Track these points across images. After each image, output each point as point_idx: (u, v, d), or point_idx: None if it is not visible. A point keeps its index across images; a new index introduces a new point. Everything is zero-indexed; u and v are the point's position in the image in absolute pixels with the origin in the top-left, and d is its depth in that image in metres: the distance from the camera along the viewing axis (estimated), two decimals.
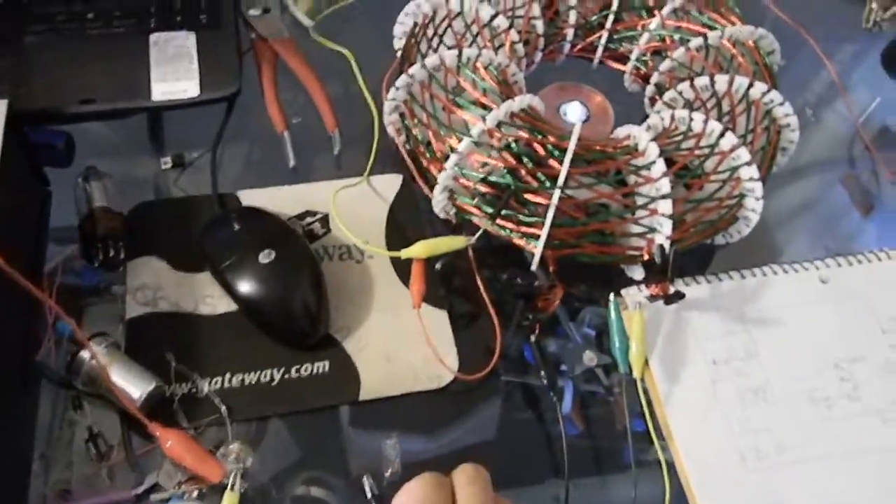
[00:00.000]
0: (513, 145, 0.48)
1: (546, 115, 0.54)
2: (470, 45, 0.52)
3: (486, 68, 0.51)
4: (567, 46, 0.59)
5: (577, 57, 0.61)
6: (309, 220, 0.54)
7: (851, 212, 0.63)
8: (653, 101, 0.58)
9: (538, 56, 0.59)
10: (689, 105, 0.52)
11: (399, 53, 0.56)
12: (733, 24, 0.55)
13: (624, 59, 0.59)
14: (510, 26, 0.54)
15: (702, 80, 0.52)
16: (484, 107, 0.49)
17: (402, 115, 0.53)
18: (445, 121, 0.50)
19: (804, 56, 0.70)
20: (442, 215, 0.51)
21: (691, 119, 0.50)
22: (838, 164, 0.65)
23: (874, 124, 0.68)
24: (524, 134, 0.48)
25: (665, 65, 0.56)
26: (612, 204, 0.48)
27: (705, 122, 0.49)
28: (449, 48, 0.53)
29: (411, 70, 0.51)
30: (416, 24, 0.55)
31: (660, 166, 0.47)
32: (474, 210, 0.49)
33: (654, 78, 0.56)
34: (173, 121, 0.60)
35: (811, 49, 0.68)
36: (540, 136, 0.49)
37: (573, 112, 0.58)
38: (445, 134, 0.50)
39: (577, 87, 0.59)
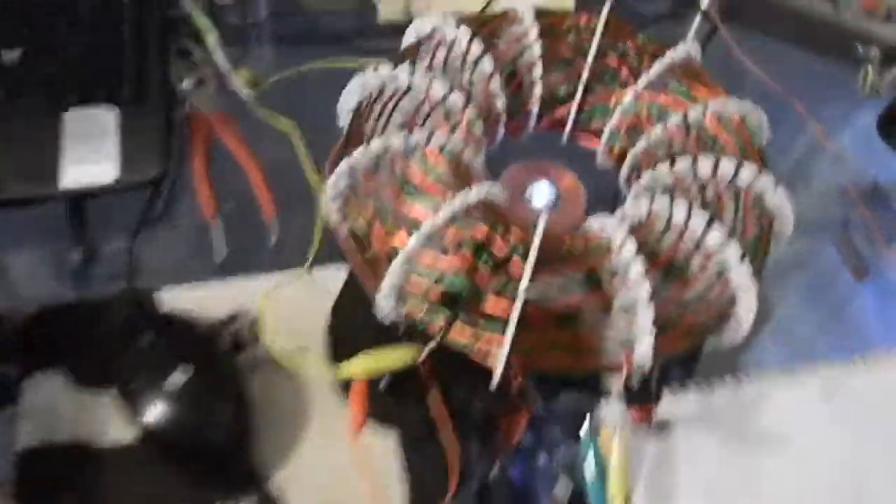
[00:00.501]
0: (468, 243, 0.42)
1: (510, 199, 0.48)
2: (421, 126, 0.46)
3: (438, 153, 0.45)
4: (533, 121, 0.53)
5: (545, 132, 0.55)
6: (237, 324, 0.47)
7: (843, 274, 0.60)
8: (629, 181, 0.52)
9: (500, 133, 0.53)
10: (668, 191, 0.46)
11: (343, 133, 0.50)
12: (717, 95, 0.50)
13: (596, 134, 0.53)
14: (467, 103, 0.48)
15: (682, 164, 0.46)
16: (437, 198, 0.43)
17: (345, 204, 0.47)
18: (393, 214, 0.44)
19: (789, 120, 0.66)
20: (388, 322, 0.45)
21: (672, 210, 0.43)
22: (829, 225, 0.62)
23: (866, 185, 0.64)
24: (481, 230, 0.42)
25: (641, 144, 0.50)
26: (584, 310, 0.42)
27: (688, 214, 0.43)
28: (399, 128, 0.47)
29: (354, 156, 0.44)
30: (360, 103, 0.49)
31: (638, 267, 0.41)
32: (425, 318, 0.43)
33: (630, 158, 0.51)
34: (101, 203, 0.54)
35: (797, 114, 0.63)
36: (500, 231, 0.42)
37: (540, 194, 0.52)
38: (392, 229, 0.43)
39: (545, 166, 0.53)
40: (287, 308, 0.47)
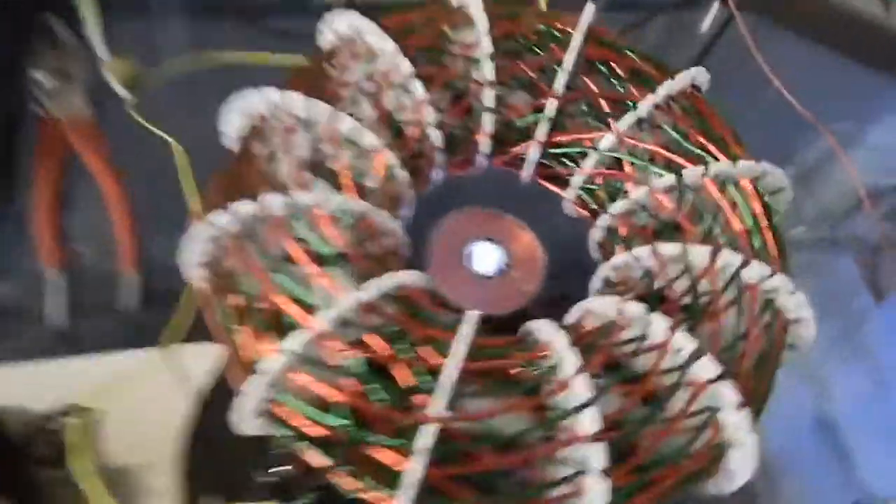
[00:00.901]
0: (357, 367, 0.30)
1: (444, 261, 0.36)
2: (315, 175, 0.34)
3: (332, 221, 0.33)
4: (483, 159, 0.41)
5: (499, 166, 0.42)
6: (61, 424, 0.36)
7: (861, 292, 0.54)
8: (602, 247, 0.40)
9: (438, 174, 0.40)
10: (648, 277, 0.34)
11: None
12: (726, 147, 0.37)
13: (564, 180, 0.41)
14: (389, 141, 0.35)
15: (669, 248, 0.34)
16: (321, 292, 0.31)
17: (215, 276, 0.35)
18: (262, 309, 0.32)
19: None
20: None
21: (650, 321, 0.31)
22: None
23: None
24: (379, 346, 0.30)
25: (619, 206, 0.37)
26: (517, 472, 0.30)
27: (671, 331, 0.31)
28: (288, 178, 0.34)
29: (216, 220, 0.32)
30: (253, 130, 0.36)
31: (589, 420, 0.29)
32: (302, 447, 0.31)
33: (604, 219, 0.38)
34: None
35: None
36: (406, 351, 0.30)
37: (483, 258, 0.39)
38: (260, 330, 0.31)
39: (494, 218, 0.41)
40: (137, 402, 0.36)
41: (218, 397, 0.37)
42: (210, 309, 0.34)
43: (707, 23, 0.61)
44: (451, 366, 0.29)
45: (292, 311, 0.30)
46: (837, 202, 0.60)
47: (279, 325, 0.31)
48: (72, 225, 0.41)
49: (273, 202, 0.32)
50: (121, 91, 0.45)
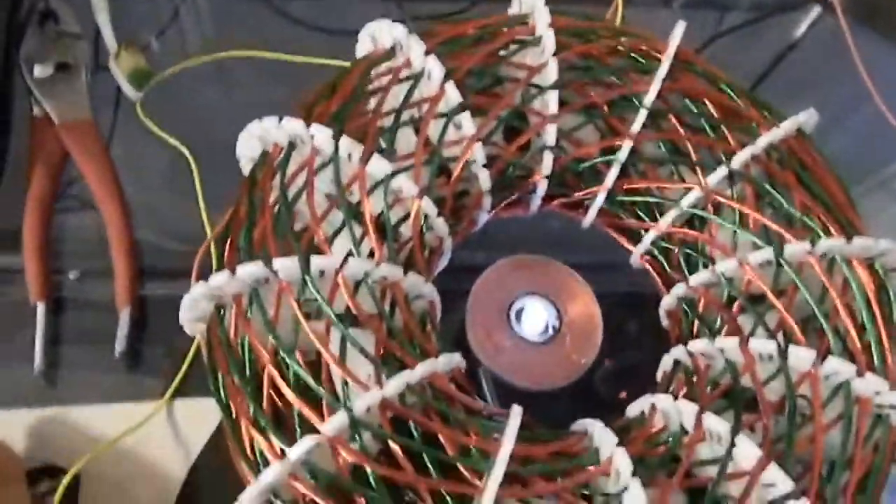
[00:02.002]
0: (373, 481, 0.24)
1: (485, 317, 0.30)
2: (333, 239, 0.28)
3: (353, 287, 0.27)
4: (537, 202, 0.35)
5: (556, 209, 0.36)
6: (43, 486, 0.31)
7: None
8: (671, 316, 0.33)
9: (482, 217, 0.34)
10: (733, 372, 0.28)
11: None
12: (836, 212, 0.30)
13: (632, 233, 0.35)
14: (423, 190, 0.29)
15: (762, 345, 0.27)
16: (326, 388, 0.25)
17: (209, 331, 0.29)
18: (262, 396, 0.26)
19: None
20: None
21: (733, 445, 0.25)
22: None
23: None
24: (401, 475, 0.24)
25: (701, 277, 0.31)
26: None
27: (762, 462, 0.25)
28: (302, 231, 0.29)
29: (213, 281, 0.27)
30: (265, 155, 0.31)
31: None
32: None
33: (680, 288, 0.32)
34: None
35: None
36: (435, 471, 0.25)
37: (532, 319, 0.34)
38: (261, 424, 0.26)
39: (547, 266, 0.35)
40: (127, 463, 0.31)
41: (214, 463, 0.32)
42: (210, 374, 0.29)
43: (802, 28, 0.54)
44: (490, 492, 0.24)
45: (300, 407, 0.25)
46: None
47: (281, 415, 0.26)
48: (66, 243, 0.36)
49: (281, 266, 0.26)
50: (126, 87, 0.39)
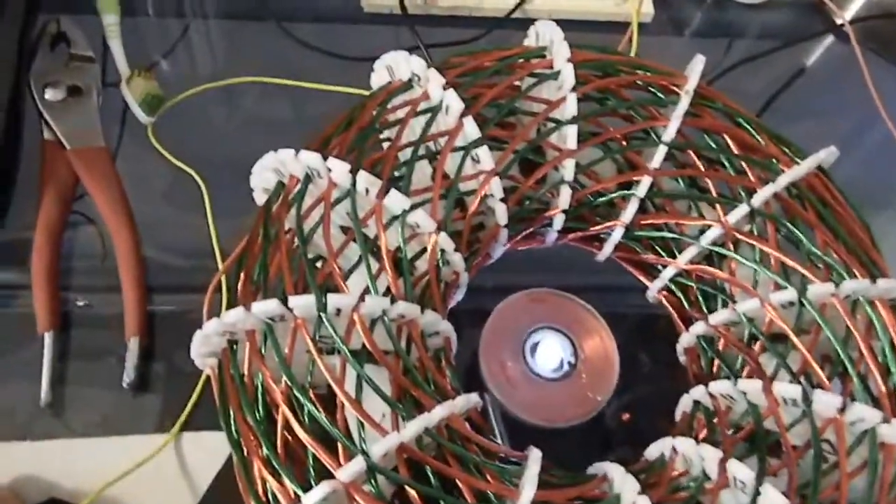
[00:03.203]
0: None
1: (499, 348, 0.30)
2: (349, 275, 0.27)
3: (371, 324, 0.26)
4: (554, 233, 0.34)
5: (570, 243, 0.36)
6: None
7: None
8: (689, 353, 0.33)
9: (498, 250, 0.34)
10: (756, 415, 0.27)
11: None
12: (860, 252, 0.30)
13: (649, 268, 0.34)
14: (440, 226, 0.29)
15: (786, 389, 0.27)
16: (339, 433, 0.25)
17: (221, 367, 0.29)
18: (275, 437, 0.26)
19: None
20: None
21: (758, 493, 0.25)
22: None
23: None
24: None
25: (721, 316, 0.30)
26: None
27: None
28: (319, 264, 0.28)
29: (231, 317, 0.26)
30: (281, 186, 0.30)
31: None
32: None
33: (699, 327, 0.31)
34: None
35: None
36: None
37: (547, 354, 0.33)
38: (272, 467, 0.25)
39: (562, 301, 0.34)
40: (136, 497, 0.31)
41: (223, 500, 0.32)
42: (220, 411, 0.28)
43: (815, 56, 0.54)
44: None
45: (315, 450, 0.24)
46: None
47: (293, 455, 0.25)
48: (75, 271, 0.36)
49: (297, 303, 0.25)
50: (139, 112, 0.39)
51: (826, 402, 0.26)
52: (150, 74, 0.40)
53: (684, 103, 0.31)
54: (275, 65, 0.44)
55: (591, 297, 0.36)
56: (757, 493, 0.25)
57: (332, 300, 0.26)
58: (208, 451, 0.32)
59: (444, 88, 0.30)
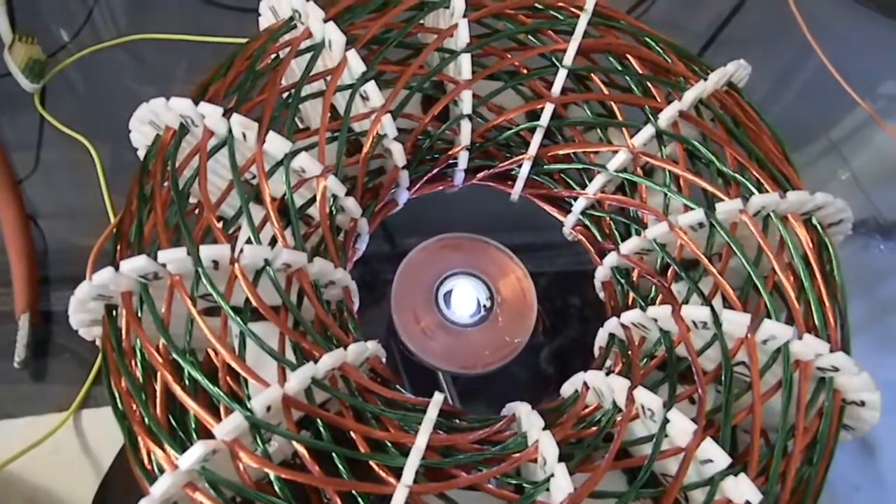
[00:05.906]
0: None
1: (410, 298, 0.29)
2: (233, 228, 0.26)
3: (255, 277, 0.25)
4: (461, 173, 0.33)
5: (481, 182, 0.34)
6: None
7: None
8: (606, 288, 0.32)
9: (402, 195, 0.32)
10: (668, 342, 0.26)
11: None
12: (771, 166, 0.29)
13: (562, 203, 0.33)
14: (330, 168, 0.27)
15: (695, 312, 0.26)
16: (222, 391, 0.23)
17: (106, 340, 0.27)
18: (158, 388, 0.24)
19: None
20: None
21: (666, 421, 0.24)
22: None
23: None
24: (305, 463, 0.22)
25: (632, 244, 0.29)
26: None
27: (697, 437, 0.23)
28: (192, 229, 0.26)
29: (101, 277, 0.24)
30: (158, 140, 0.28)
31: None
32: None
33: (612, 258, 0.30)
34: None
35: None
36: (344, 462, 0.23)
37: (462, 300, 0.32)
38: (155, 436, 0.24)
39: (476, 244, 0.33)
40: (35, 478, 0.29)
41: (124, 477, 0.30)
42: (105, 380, 0.26)
43: None
44: (401, 492, 0.22)
45: (195, 410, 0.23)
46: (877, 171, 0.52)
47: (176, 420, 0.24)
48: None
49: (169, 258, 0.24)
50: (22, 79, 0.37)
51: (736, 321, 0.25)
52: (32, 40, 0.38)
53: (582, 24, 0.30)
54: (173, 22, 0.42)
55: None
56: (666, 421, 0.24)
57: (206, 251, 0.24)
58: (109, 428, 0.31)
59: (325, 22, 0.28)
